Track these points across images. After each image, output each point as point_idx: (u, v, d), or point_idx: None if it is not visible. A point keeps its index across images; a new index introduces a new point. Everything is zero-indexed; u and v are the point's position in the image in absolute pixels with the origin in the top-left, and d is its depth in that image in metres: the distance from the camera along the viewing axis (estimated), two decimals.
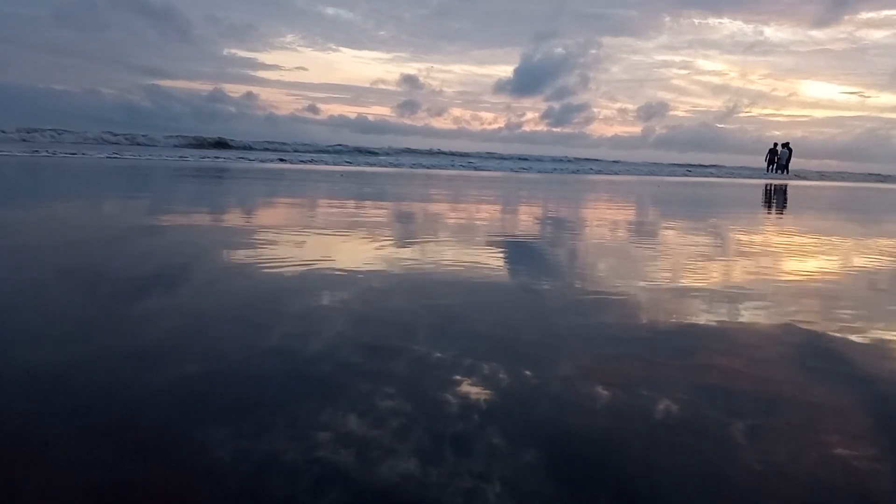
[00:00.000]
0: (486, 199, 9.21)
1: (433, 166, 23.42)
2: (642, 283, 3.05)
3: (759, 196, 13.62)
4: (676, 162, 40.17)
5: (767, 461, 1.30)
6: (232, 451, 1.26)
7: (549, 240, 4.82)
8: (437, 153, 33.25)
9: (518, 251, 4.14)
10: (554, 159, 36.61)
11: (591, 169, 29.42)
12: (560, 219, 6.63)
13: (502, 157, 34.51)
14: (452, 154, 33.54)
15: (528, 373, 1.75)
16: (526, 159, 34.41)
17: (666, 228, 6.13)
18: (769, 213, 9.07)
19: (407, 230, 5.01)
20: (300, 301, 2.47)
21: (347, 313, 2.30)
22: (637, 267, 3.59)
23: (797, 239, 5.49)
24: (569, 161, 35.75)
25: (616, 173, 27.47)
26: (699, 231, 5.87)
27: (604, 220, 6.66)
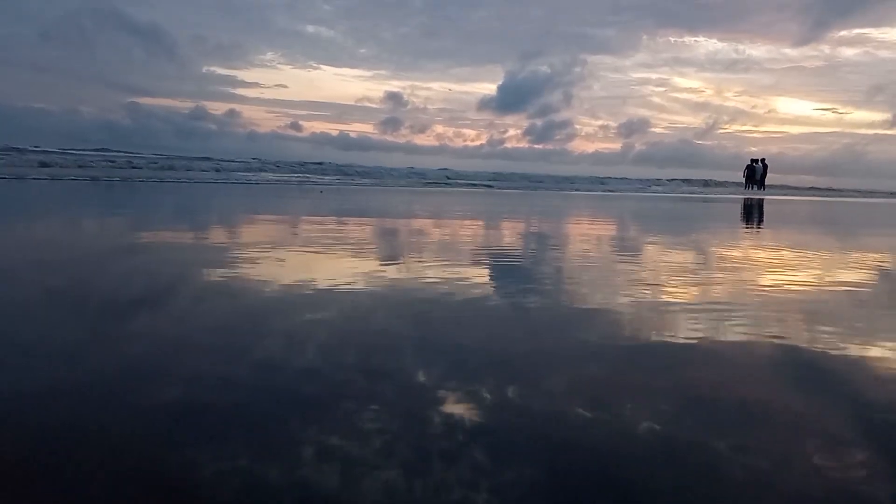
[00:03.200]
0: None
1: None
2: (630, 298, 3.07)
3: (738, 212, 13.83)
4: (656, 177, 40.84)
5: (755, 476, 1.31)
6: (216, 473, 1.24)
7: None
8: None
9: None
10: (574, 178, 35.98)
11: (574, 187, 29.60)
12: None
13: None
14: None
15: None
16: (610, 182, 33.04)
17: (670, 243, 6.19)
18: (748, 227, 9.21)
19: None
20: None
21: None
22: (624, 281, 3.62)
23: (777, 254, 5.58)
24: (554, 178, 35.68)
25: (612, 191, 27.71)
26: (688, 246, 5.93)
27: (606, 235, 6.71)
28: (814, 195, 33.53)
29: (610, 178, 37.85)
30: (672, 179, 40.88)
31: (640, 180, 37.95)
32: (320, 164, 28.95)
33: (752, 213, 13.03)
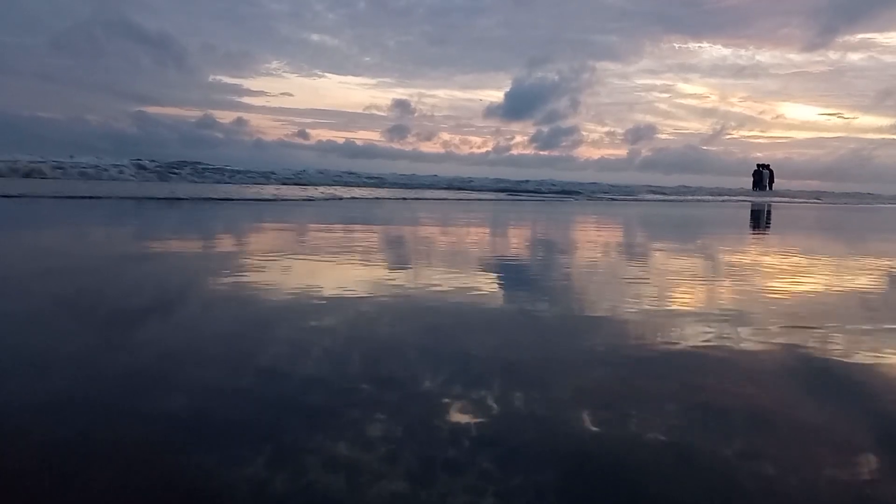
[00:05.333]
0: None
1: None
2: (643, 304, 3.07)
3: (748, 215, 13.80)
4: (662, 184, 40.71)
5: (761, 481, 1.30)
6: (225, 478, 1.23)
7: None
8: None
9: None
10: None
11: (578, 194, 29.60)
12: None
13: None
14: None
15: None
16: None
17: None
18: (759, 230, 9.18)
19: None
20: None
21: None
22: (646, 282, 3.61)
23: (788, 259, 5.55)
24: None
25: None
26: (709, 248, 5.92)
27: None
28: (824, 200, 33.67)
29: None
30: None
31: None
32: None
33: (761, 217, 13.05)
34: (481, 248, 5.57)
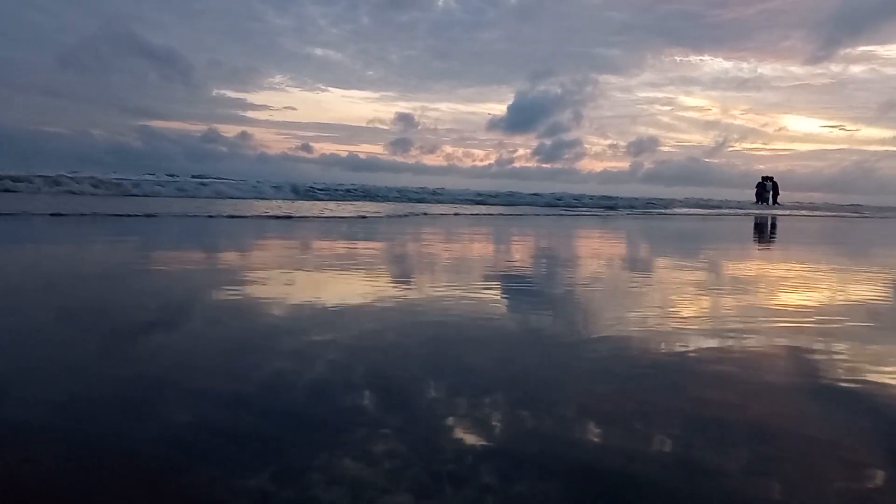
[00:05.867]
0: None
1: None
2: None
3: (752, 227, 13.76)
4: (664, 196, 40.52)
5: (768, 496, 1.28)
6: (227, 492, 1.21)
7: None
8: None
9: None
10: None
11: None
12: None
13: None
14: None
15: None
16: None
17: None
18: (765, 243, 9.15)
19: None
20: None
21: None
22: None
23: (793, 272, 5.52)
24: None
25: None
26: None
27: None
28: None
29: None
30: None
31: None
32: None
33: (764, 229, 13.08)
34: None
